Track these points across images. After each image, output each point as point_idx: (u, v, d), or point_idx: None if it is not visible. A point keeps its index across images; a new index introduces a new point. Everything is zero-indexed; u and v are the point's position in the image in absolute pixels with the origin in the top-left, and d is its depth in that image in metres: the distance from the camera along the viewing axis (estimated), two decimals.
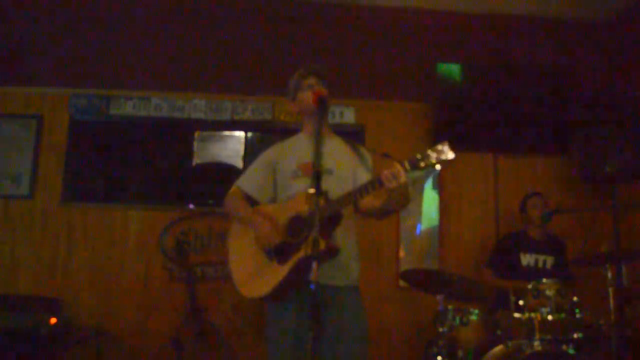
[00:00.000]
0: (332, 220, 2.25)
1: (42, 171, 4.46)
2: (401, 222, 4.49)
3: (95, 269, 4.32)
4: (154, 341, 4.18)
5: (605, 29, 4.87)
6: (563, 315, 3.06)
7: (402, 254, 4.47)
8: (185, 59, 4.66)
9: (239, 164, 4.65)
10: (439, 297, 3.24)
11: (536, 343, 2.98)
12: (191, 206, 4.53)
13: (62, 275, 4.31)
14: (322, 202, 2.14)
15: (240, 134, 4.78)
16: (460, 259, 4.47)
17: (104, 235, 4.38)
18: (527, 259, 3.94)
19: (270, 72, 4.65)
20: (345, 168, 2.54)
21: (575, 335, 3.01)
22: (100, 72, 4.63)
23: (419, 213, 4.53)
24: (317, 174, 2.10)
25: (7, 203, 4.41)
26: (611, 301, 3.12)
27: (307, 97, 2.54)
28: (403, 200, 2.35)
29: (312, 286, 1.93)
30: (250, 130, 4.79)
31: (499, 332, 3.21)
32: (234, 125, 4.71)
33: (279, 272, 2.37)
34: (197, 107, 4.61)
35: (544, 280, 3.17)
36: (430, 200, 4.51)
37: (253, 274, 2.46)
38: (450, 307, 3.29)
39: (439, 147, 2.11)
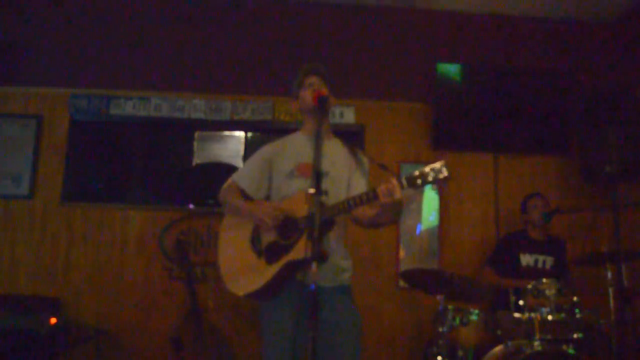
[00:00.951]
0: (324, 226, 2.26)
1: (42, 171, 4.46)
2: (401, 222, 4.49)
3: (95, 269, 4.32)
4: (154, 341, 4.19)
5: (606, 29, 4.87)
6: (563, 315, 3.06)
7: (402, 254, 4.47)
8: (185, 59, 4.67)
9: (239, 164, 4.65)
10: (439, 297, 3.24)
11: (536, 343, 2.98)
12: (191, 206, 4.53)
13: (62, 275, 4.31)
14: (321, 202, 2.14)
15: (240, 134, 4.78)
16: (460, 259, 4.47)
17: (104, 235, 4.38)
18: (527, 259, 3.94)
19: (270, 72, 4.66)
20: (341, 171, 2.54)
21: (575, 335, 3.02)
22: (100, 72, 4.63)
23: (419, 213, 4.53)
24: (317, 174, 2.09)
25: (7, 203, 4.41)
26: (611, 301, 3.13)
27: (307, 95, 2.55)
28: (395, 215, 2.35)
29: (312, 286, 1.92)
30: (250, 130, 4.79)
31: (499, 332, 3.21)
32: (234, 125, 4.70)
33: (267, 271, 2.38)
34: (197, 107, 4.61)
35: (544, 280, 3.17)
36: (430, 200, 4.51)
37: (241, 270, 2.47)
38: (450, 307, 3.29)
39: (437, 165, 2.12)
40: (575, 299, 3.10)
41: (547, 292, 3.10)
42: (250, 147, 4.70)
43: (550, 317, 3.04)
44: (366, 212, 2.41)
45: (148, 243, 4.38)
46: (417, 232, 4.52)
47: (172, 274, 4.33)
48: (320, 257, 2.21)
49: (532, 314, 3.07)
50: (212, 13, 4.76)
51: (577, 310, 3.08)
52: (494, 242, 4.39)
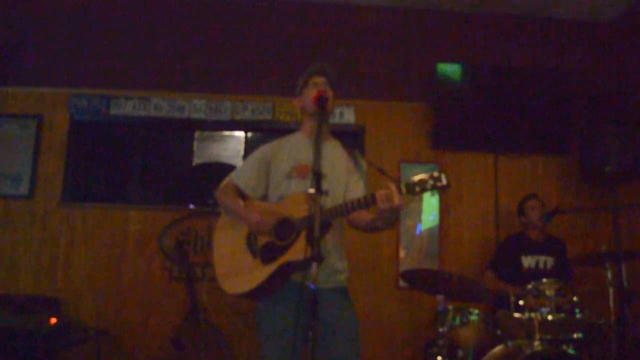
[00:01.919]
0: (320, 228, 2.26)
1: (42, 171, 4.46)
2: (401, 222, 4.49)
3: (95, 269, 4.32)
4: (154, 341, 4.18)
5: (606, 29, 4.87)
6: (563, 315, 3.06)
7: (402, 254, 4.47)
8: (185, 59, 4.67)
9: (239, 164, 4.64)
10: (439, 297, 3.24)
11: (536, 343, 2.98)
12: (191, 206, 4.53)
13: (62, 275, 4.31)
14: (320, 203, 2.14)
15: (240, 134, 4.78)
16: (460, 259, 4.47)
17: (104, 235, 4.38)
18: (528, 261, 3.94)
19: (270, 72, 4.66)
20: (339, 173, 2.54)
21: (575, 335, 3.01)
22: (100, 72, 4.63)
23: (419, 213, 4.53)
24: (317, 175, 2.09)
25: (7, 203, 4.40)
26: (611, 301, 3.12)
27: (309, 95, 2.54)
28: (392, 221, 2.36)
29: (312, 286, 1.93)
30: (250, 130, 4.79)
31: (499, 332, 3.21)
32: (234, 125, 4.70)
33: (262, 271, 2.38)
34: (197, 107, 4.61)
35: (544, 280, 3.17)
36: (430, 200, 4.51)
37: (236, 269, 2.47)
38: (450, 307, 3.28)
39: (435, 174, 2.12)
40: (575, 299, 3.10)
41: (547, 292, 3.10)
42: (250, 147, 4.70)
43: (550, 317, 3.04)
44: (363, 216, 2.41)
45: (148, 243, 4.37)
46: (417, 232, 4.52)
47: (172, 274, 4.33)
48: (318, 258, 2.22)
49: (532, 314, 3.06)
50: (212, 13, 4.76)
51: (577, 310, 3.08)
52: (494, 242, 4.39)
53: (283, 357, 2.32)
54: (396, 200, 2.14)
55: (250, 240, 2.48)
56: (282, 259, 2.34)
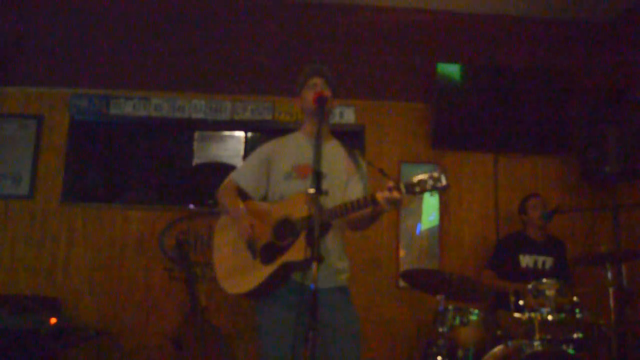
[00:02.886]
0: (321, 228, 2.26)
1: (42, 171, 4.46)
2: (401, 222, 4.49)
3: (95, 269, 4.32)
4: (154, 341, 4.18)
5: (606, 28, 4.87)
6: (563, 315, 3.06)
7: (402, 254, 4.47)
8: (185, 59, 4.66)
9: (239, 164, 4.64)
10: (439, 297, 3.24)
11: (536, 343, 2.98)
12: (191, 206, 4.53)
13: (62, 275, 4.31)
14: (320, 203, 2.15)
15: (240, 134, 4.78)
16: (460, 259, 4.47)
17: (104, 235, 4.38)
18: (526, 260, 3.94)
19: (270, 72, 4.65)
20: (339, 174, 2.54)
21: (575, 335, 3.02)
22: (100, 72, 4.63)
23: (419, 213, 4.53)
24: (317, 175, 2.10)
25: (7, 203, 4.40)
26: (611, 301, 3.12)
27: (308, 96, 2.54)
28: (376, 221, 2.42)
29: (312, 286, 1.93)
30: (250, 130, 4.79)
31: (499, 332, 3.21)
32: (234, 125, 4.70)
33: (262, 271, 2.38)
34: (197, 107, 4.61)
35: (544, 280, 3.17)
36: (430, 201, 4.51)
37: (236, 269, 2.48)
38: (450, 307, 3.28)
39: (435, 174, 2.13)
40: (575, 299, 3.10)
41: (547, 292, 3.10)
42: (250, 147, 4.70)
43: (550, 317, 3.04)
44: (360, 213, 2.42)
45: (148, 243, 4.37)
46: (417, 232, 4.52)
47: (172, 274, 4.33)
48: (318, 259, 2.22)
49: (532, 314, 3.06)
50: (212, 13, 4.76)
51: (577, 310, 3.08)
52: (494, 242, 4.39)
53: (283, 357, 2.32)
54: (399, 203, 2.16)
55: (250, 240, 2.48)
56: (282, 259, 2.34)
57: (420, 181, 2.14)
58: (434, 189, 2.13)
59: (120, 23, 4.71)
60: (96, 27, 4.69)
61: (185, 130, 4.75)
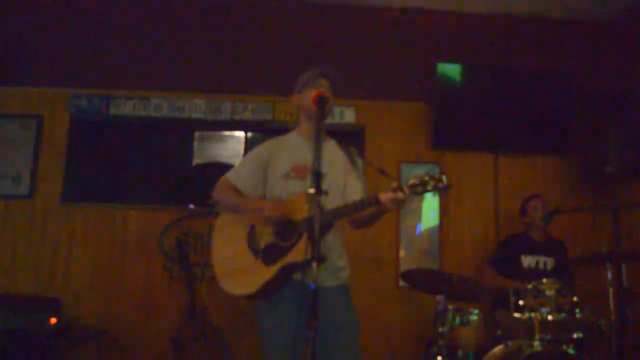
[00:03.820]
0: (321, 229, 2.26)
1: (42, 171, 4.46)
2: (401, 222, 4.49)
3: (95, 269, 4.32)
4: (154, 341, 4.18)
5: (606, 29, 4.87)
6: (563, 315, 3.06)
7: (402, 254, 4.47)
8: (185, 59, 4.66)
9: None
10: (439, 297, 3.24)
11: (536, 343, 2.98)
12: (191, 206, 4.53)
13: (62, 275, 4.31)
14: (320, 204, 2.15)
15: (240, 134, 4.78)
16: (460, 259, 4.47)
17: (104, 235, 4.38)
18: (527, 261, 3.94)
19: (270, 72, 4.65)
20: (338, 173, 2.54)
21: (575, 335, 3.01)
22: (100, 72, 4.63)
23: (419, 213, 4.53)
24: (317, 175, 2.09)
25: (7, 203, 4.40)
26: (611, 301, 3.12)
27: (310, 95, 2.51)
28: (378, 220, 2.43)
29: (312, 286, 1.93)
30: (250, 130, 4.78)
31: (499, 332, 3.21)
32: (234, 125, 4.70)
33: (265, 273, 2.38)
34: (197, 107, 4.61)
35: (544, 280, 3.17)
36: (430, 201, 4.51)
37: (238, 270, 2.47)
38: (450, 307, 3.28)
39: (436, 174, 2.14)
40: (575, 299, 3.10)
41: (547, 292, 3.10)
42: (250, 147, 4.69)
43: (550, 317, 3.04)
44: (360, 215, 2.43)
45: (148, 243, 4.37)
46: (417, 232, 4.52)
47: (172, 274, 4.33)
48: (319, 259, 2.22)
49: (532, 314, 3.06)
50: (213, 13, 4.76)
51: (577, 310, 3.08)
52: (494, 242, 4.39)
53: (284, 356, 2.32)
54: (404, 202, 2.18)
55: (251, 241, 2.48)
56: (285, 260, 2.34)
57: (422, 181, 2.14)
58: (436, 189, 2.13)
59: (120, 23, 4.71)
60: (96, 27, 4.69)
61: (185, 130, 4.75)
